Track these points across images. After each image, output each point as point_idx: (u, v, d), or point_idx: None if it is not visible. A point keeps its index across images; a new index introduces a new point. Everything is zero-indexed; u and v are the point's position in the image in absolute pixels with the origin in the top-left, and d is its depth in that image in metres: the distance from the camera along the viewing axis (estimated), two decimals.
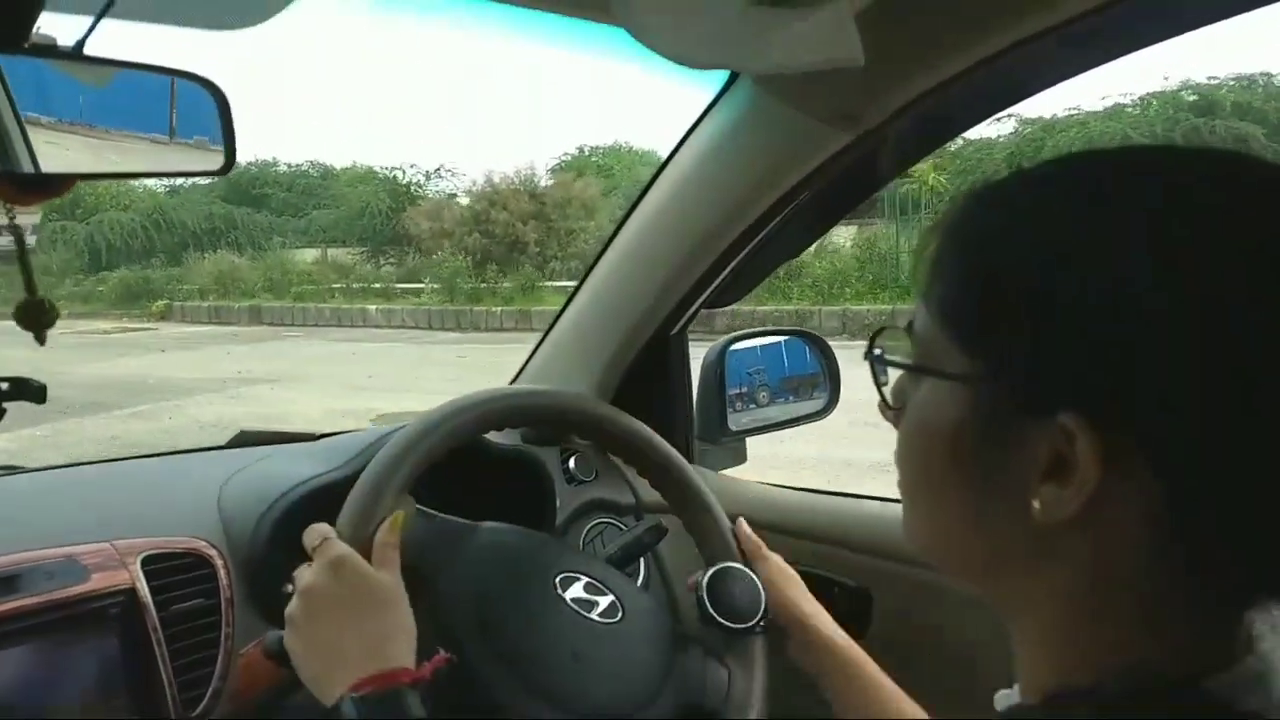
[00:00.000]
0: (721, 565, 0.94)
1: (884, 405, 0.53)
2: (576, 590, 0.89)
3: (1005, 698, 0.62)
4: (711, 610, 0.91)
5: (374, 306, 13.40)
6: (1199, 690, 0.41)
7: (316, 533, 0.80)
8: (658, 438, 0.99)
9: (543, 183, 14.88)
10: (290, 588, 0.79)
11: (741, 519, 1.00)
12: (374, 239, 16.43)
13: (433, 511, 0.88)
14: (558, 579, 0.88)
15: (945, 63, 0.90)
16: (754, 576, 0.94)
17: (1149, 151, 0.47)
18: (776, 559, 0.97)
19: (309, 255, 16.60)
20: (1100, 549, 0.42)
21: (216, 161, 0.85)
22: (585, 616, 0.88)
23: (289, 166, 19.40)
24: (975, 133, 12.67)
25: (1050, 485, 0.42)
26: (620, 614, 0.89)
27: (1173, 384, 0.39)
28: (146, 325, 14.01)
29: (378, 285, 14.63)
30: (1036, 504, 0.42)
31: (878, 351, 0.54)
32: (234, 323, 14.05)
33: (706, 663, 0.92)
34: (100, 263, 16.37)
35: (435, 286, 13.65)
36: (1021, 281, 0.43)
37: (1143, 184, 0.43)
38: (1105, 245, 0.41)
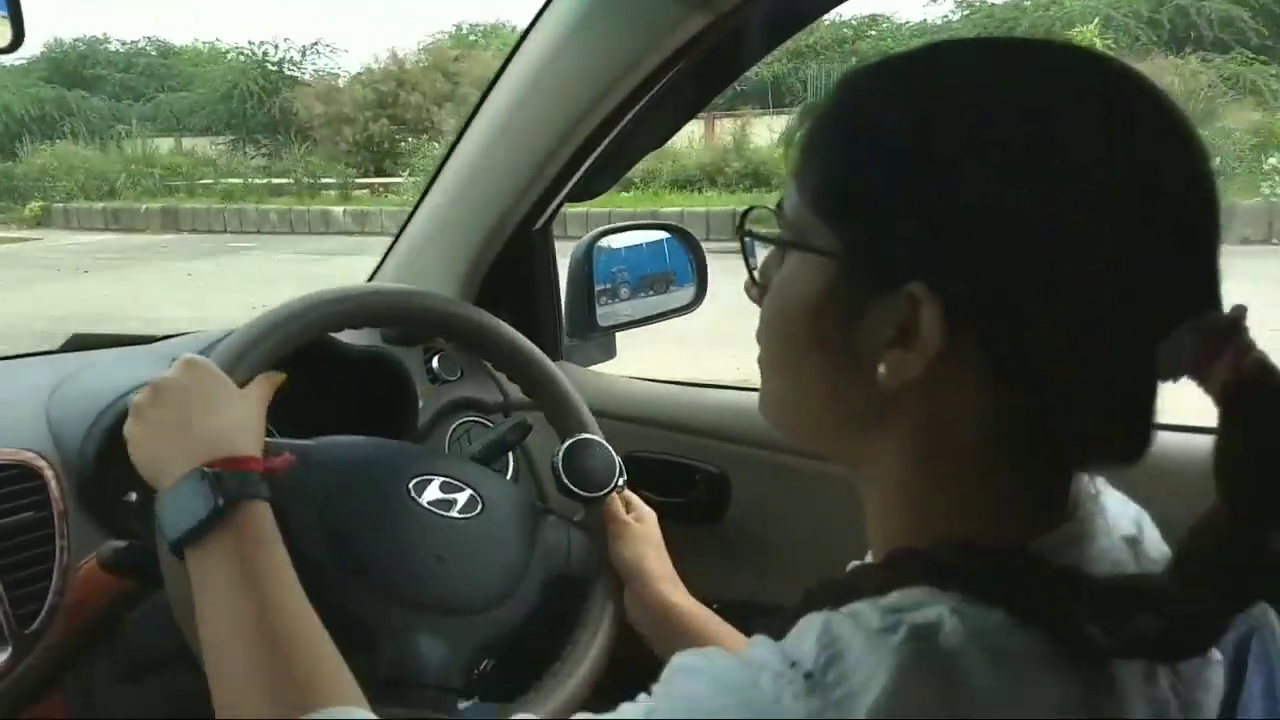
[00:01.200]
0: (577, 437, 0.96)
1: (750, 283, 0.55)
2: (433, 492, 0.87)
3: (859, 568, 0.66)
4: (567, 481, 0.93)
5: (340, 209, 11.37)
6: (1024, 550, 0.45)
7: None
8: (511, 331, 0.98)
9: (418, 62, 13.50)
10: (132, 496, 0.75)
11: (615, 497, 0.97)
12: (245, 125, 14.66)
13: (272, 438, 0.84)
14: (411, 485, 0.86)
15: None
16: (609, 447, 0.97)
17: (1015, 44, 0.50)
18: (638, 527, 0.95)
19: (162, 145, 14.48)
20: (937, 411, 0.46)
21: (4, 37, 0.76)
22: (444, 516, 0.86)
23: (123, 44, 17.22)
24: (914, 16, 12.38)
25: (896, 350, 0.45)
26: (480, 506, 0.88)
27: (1001, 264, 0.43)
28: (25, 234, 11.51)
29: (330, 180, 12.55)
30: (882, 368, 0.46)
31: (749, 230, 0.55)
32: (141, 229, 11.56)
33: (569, 531, 0.94)
34: None
35: (415, 181, 11.02)
36: (882, 162, 0.46)
37: (1003, 76, 0.46)
38: (955, 130, 0.44)
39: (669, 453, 1.18)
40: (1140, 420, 0.46)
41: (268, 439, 0.82)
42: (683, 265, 1.43)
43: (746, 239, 0.56)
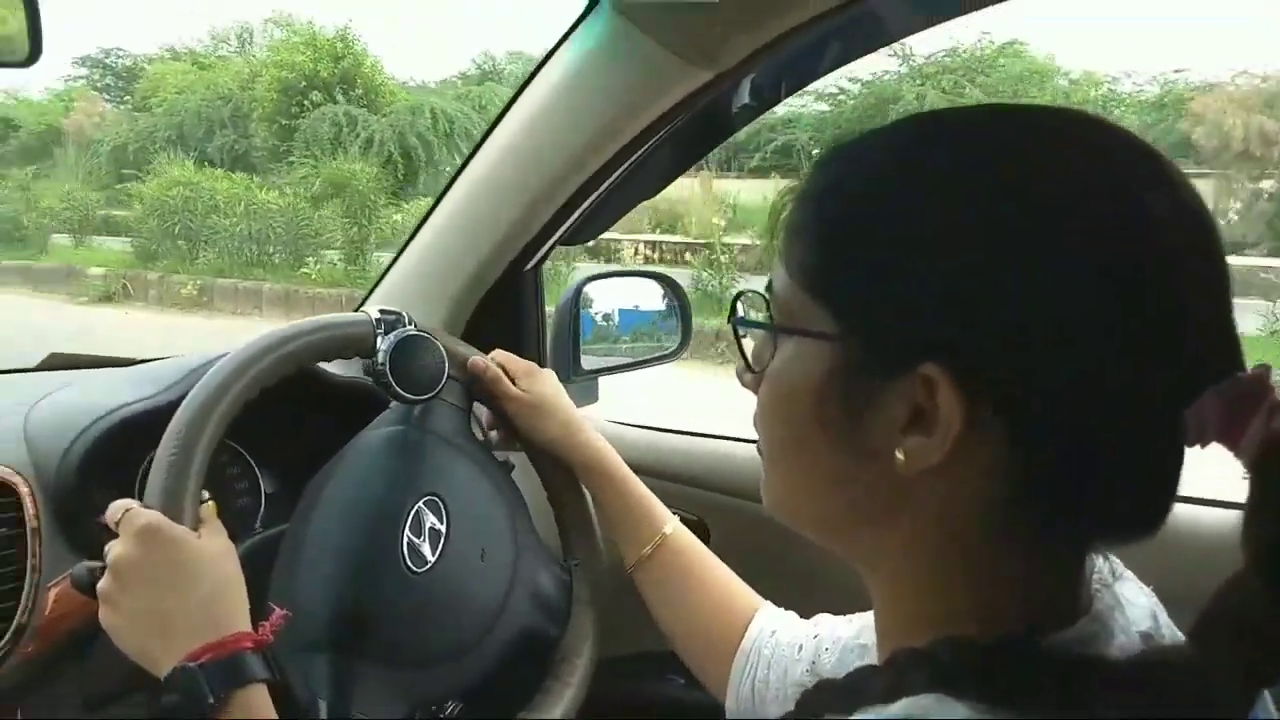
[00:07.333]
0: (400, 335, 0.91)
1: (744, 369, 0.53)
2: (423, 547, 0.87)
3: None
4: (394, 382, 0.90)
5: None
6: (1037, 647, 0.43)
7: (118, 507, 0.74)
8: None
9: None
10: (100, 559, 0.73)
11: (479, 359, 0.98)
12: None
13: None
14: (405, 553, 0.86)
15: (802, 6, 0.90)
16: (437, 342, 0.93)
17: (1000, 110, 0.49)
18: (520, 394, 0.97)
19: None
20: (953, 494, 0.44)
21: (20, 52, 0.76)
22: (438, 562, 0.87)
23: None
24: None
25: (915, 436, 0.43)
26: (445, 516, 0.89)
27: (1020, 335, 0.41)
28: None
29: None
30: (900, 455, 0.44)
31: (740, 314, 0.54)
32: None
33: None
34: (416, 180, 11.71)
35: None
36: (876, 239, 0.44)
37: (991, 143, 0.45)
38: (953, 203, 0.43)
39: None
40: (1164, 489, 0.45)
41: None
42: (668, 313, 1.45)
43: (739, 326, 0.54)
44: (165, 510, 0.73)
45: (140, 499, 0.75)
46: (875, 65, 12.54)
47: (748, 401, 0.55)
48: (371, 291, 1.32)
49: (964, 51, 12.32)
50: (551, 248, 1.27)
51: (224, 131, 14.08)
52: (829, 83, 12.41)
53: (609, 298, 1.38)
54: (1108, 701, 0.40)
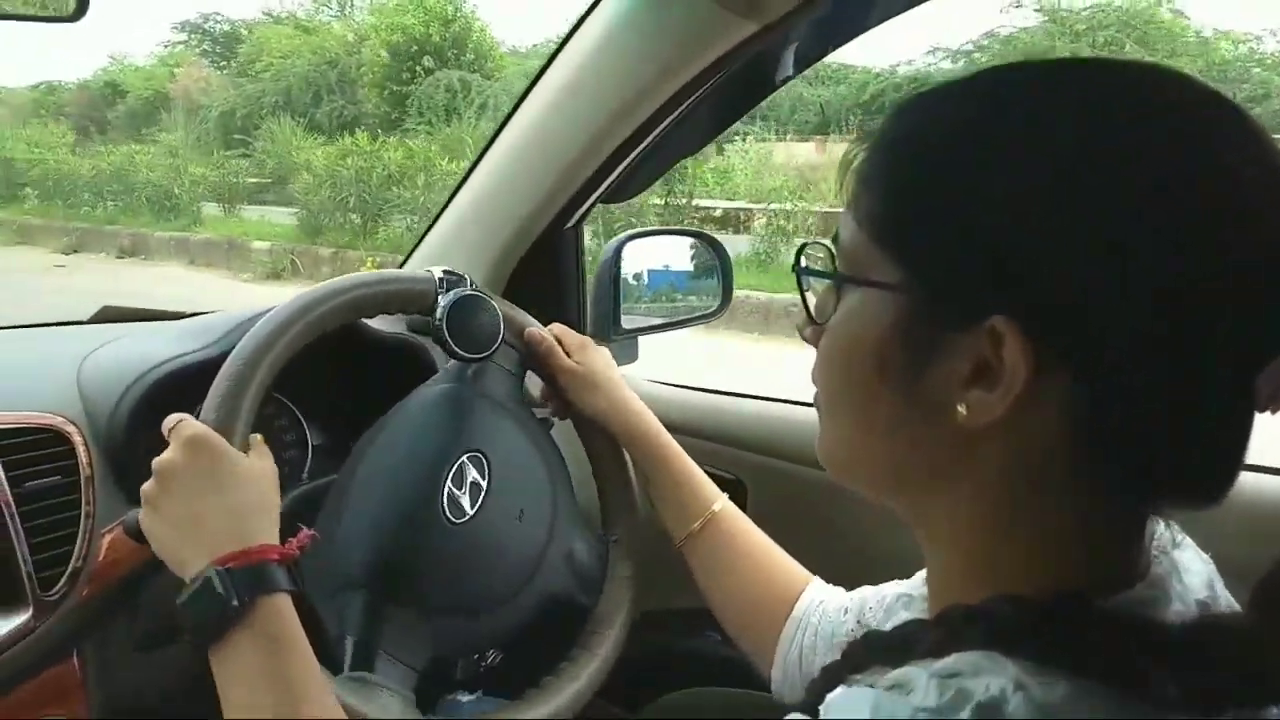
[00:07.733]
0: (459, 294, 0.92)
1: (807, 321, 0.53)
2: (463, 499, 0.88)
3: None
4: (450, 341, 0.91)
5: None
6: (1091, 607, 0.42)
7: (173, 418, 0.76)
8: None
9: None
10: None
11: (536, 329, 0.99)
12: None
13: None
14: (445, 504, 0.87)
15: None
16: (494, 304, 0.94)
17: (1077, 63, 0.49)
18: (573, 366, 0.98)
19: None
20: (1015, 453, 0.44)
21: (67, 5, 0.77)
22: (476, 515, 0.88)
23: None
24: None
25: (977, 390, 0.43)
26: (488, 473, 0.90)
27: (1093, 289, 0.40)
28: None
29: None
30: (963, 408, 0.43)
31: (804, 264, 0.53)
32: None
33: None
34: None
35: None
36: (950, 190, 0.44)
37: (1067, 95, 0.44)
38: (1030, 154, 0.42)
39: None
40: (1231, 454, 0.44)
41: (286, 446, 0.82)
42: (708, 271, 1.44)
43: (803, 277, 0.53)
44: (216, 430, 0.75)
45: None
46: (1013, 19, 11.94)
47: None
48: (412, 252, 1.32)
49: (1118, 6, 11.46)
50: (592, 206, 1.26)
51: (331, 97, 13.94)
52: (963, 39, 11.96)
53: (646, 257, 1.37)
54: (1161, 666, 0.39)
